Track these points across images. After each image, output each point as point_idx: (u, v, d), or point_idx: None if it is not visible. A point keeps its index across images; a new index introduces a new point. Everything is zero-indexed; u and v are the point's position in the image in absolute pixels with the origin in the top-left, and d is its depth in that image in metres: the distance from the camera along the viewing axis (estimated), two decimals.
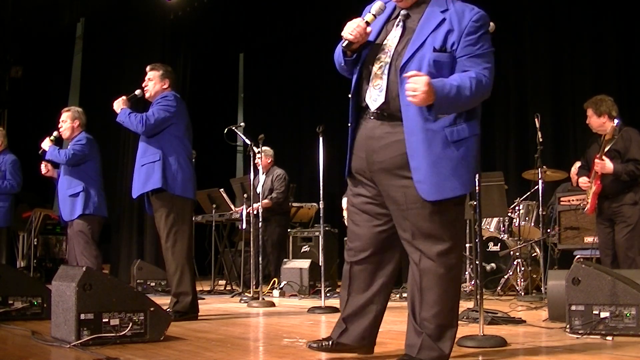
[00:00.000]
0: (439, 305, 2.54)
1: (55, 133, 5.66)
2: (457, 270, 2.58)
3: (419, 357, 2.55)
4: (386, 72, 2.58)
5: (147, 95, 4.73)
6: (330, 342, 2.75)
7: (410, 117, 2.52)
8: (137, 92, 4.76)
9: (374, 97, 2.61)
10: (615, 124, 4.85)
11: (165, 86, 4.72)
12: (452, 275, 2.56)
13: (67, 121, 5.63)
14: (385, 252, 2.71)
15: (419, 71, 2.47)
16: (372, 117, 2.64)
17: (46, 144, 5.56)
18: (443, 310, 2.55)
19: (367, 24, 2.60)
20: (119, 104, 4.65)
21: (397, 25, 2.64)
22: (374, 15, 2.62)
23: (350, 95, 2.72)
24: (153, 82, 4.72)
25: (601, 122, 5.03)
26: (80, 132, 5.63)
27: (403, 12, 2.65)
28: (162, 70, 4.76)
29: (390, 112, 2.58)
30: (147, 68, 4.79)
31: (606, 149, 4.86)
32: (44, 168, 5.76)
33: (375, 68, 2.62)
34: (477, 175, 2.63)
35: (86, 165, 5.53)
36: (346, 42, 2.60)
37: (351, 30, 2.58)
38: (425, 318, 2.56)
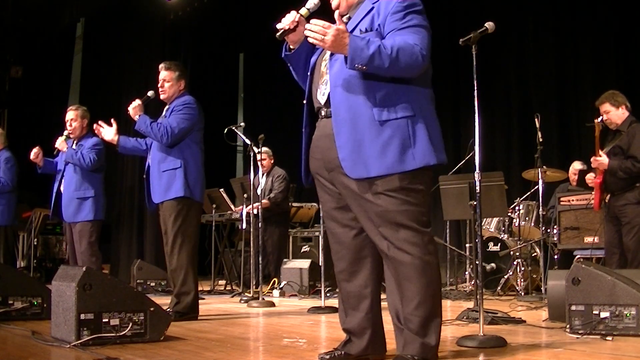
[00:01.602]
0: (419, 295, 2.52)
1: (66, 132, 5.58)
2: (431, 256, 2.55)
3: (405, 353, 2.55)
4: (329, 65, 2.67)
5: (162, 97, 4.66)
6: (342, 353, 2.75)
7: (337, 97, 2.60)
8: (150, 93, 4.68)
9: (323, 91, 2.69)
10: (600, 120, 4.88)
11: (181, 88, 4.67)
12: (427, 262, 2.53)
13: (78, 120, 5.57)
14: (364, 257, 2.71)
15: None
16: (324, 117, 2.70)
17: (62, 145, 5.50)
18: (425, 301, 2.53)
19: (301, 15, 2.69)
20: (135, 110, 4.54)
21: (337, 21, 2.74)
22: (308, 10, 2.70)
23: (304, 102, 2.79)
24: (170, 83, 4.64)
25: (621, 114, 4.98)
26: (87, 132, 5.58)
27: (345, 17, 2.74)
28: (178, 72, 4.67)
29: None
30: (161, 67, 4.68)
31: (612, 145, 4.85)
32: (33, 154, 5.62)
33: (322, 67, 2.72)
34: (425, 157, 2.56)
35: (98, 169, 5.53)
36: (280, 31, 2.68)
37: (284, 20, 2.69)
38: (408, 312, 2.54)
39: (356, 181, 2.56)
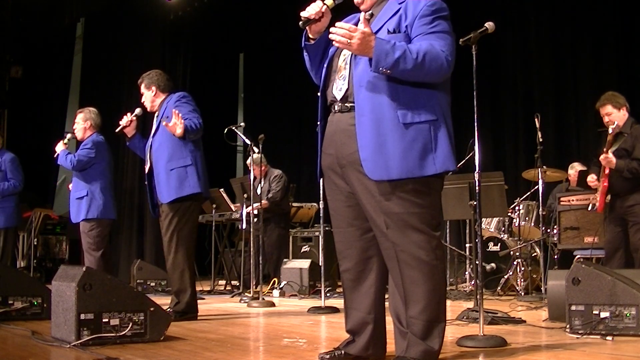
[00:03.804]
0: (425, 299, 2.52)
1: (69, 135, 5.65)
2: (438, 261, 2.55)
3: (408, 355, 2.54)
4: (349, 62, 2.64)
5: (148, 110, 4.76)
6: (342, 352, 2.74)
7: (361, 97, 2.56)
8: (138, 110, 4.78)
9: (339, 86, 2.66)
10: (619, 123, 4.85)
11: (153, 93, 4.71)
12: (434, 266, 2.53)
13: (80, 122, 5.62)
14: (370, 257, 2.70)
15: None
16: (337, 111, 2.67)
17: (59, 148, 5.52)
18: (430, 305, 2.52)
19: (326, 6, 2.65)
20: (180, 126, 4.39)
21: (361, 21, 2.69)
22: (334, 1, 2.66)
23: (319, 93, 2.75)
24: (143, 94, 4.76)
25: (622, 116, 4.97)
26: (92, 133, 5.61)
27: (368, 13, 2.71)
28: (146, 80, 4.75)
29: (353, 101, 2.61)
30: (138, 82, 4.81)
31: (614, 147, 4.84)
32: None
33: (340, 61, 2.69)
34: (445, 162, 2.55)
35: (93, 168, 5.51)
36: (303, 20, 2.63)
37: (309, 9, 2.64)
38: (412, 316, 2.54)
39: (372, 181, 2.54)
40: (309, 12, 2.63)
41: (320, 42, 2.74)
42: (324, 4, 2.64)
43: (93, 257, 5.37)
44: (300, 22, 2.64)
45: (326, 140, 2.73)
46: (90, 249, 5.42)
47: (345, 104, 2.63)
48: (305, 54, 2.79)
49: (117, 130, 4.76)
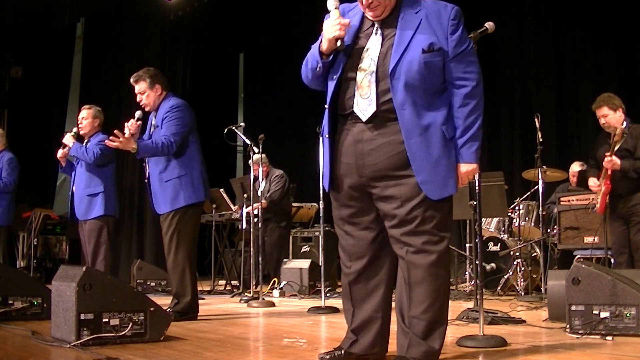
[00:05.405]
0: (429, 300, 2.54)
1: (74, 129, 5.54)
2: (445, 263, 2.57)
3: (408, 355, 2.55)
4: (373, 80, 2.56)
5: (147, 109, 4.64)
6: (342, 352, 2.74)
7: (406, 119, 2.53)
8: (138, 113, 4.58)
9: (363, 108, 2.58)
10: (624, 126, 4.86)
11: (159, 92, 4.61)
12: (441, 268, 2.55)
13: (89, 118, 5.53)
14: (381, 257, 2.71)
15: (409, 74, 2.50)
16: (358, 122, 2.61)
17: (69, 140, 5.42)
18: (433, 305, 2.54)
19: (337, 11, 2.61)
20: (128, 143, 4.32)
21: (376, 33, 2.62)
22: (336, 8, 2.62)
23: (326, 106, 2.68)
24: (146, 93, 4.59)
25: (619, 117, 4.99)
26: (98, 131, 5.55)
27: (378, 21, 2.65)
28: (148, 78, 4.59)
29: (381, 117, 2.57)
30: (132, 82, 4.62)
31: (616, 148, 4.86)
32: (60, 152, 5.53)
33: (359, 78, 2.59)
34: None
35: (108, 166, 5.49)
36: (339, 42, 2.58)
37: (336, 28, 2.56)
38: (415, 315, 2.55)
39: (402, 191, 2.54)
40: (341, 30, 2.55)
41: (332, 62, 2.68)
42: (338, 16, 2.57)
43: (102, 259, 5.32)
44: (338, 45, 2.57)
45: (344, 149, 2.65)
46: (97, 250, 5.34)
47: (373, 120, 2.58)
48: (318, 70, 2.69)
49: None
